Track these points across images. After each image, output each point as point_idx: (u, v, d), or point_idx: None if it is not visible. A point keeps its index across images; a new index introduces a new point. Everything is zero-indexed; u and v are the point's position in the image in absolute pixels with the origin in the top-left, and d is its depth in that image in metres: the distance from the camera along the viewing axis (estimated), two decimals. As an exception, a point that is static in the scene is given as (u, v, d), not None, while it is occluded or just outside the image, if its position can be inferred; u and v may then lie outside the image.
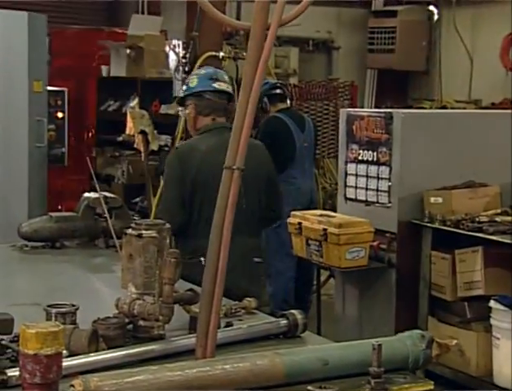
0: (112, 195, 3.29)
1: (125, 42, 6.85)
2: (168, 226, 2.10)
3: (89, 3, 8.93)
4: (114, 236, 2.67)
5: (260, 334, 2.09)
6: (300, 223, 4.42)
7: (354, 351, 1.83)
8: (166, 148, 5.92)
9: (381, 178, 4.37)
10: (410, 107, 9.17)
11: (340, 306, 4.66)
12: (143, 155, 5.62)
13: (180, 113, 3.70)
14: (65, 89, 5.31)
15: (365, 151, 4.47)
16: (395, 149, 4.28)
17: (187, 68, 5.56)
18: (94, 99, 7.18)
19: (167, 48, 5.89)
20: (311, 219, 4.38)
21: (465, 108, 8.75)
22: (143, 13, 8.70)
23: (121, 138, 6.87)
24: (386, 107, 7.91)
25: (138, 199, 6.52)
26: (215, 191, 3.20)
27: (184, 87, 3.47)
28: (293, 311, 2.16)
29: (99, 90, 7.17)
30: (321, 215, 4.44)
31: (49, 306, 1.99)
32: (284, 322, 2.13)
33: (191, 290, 2.22)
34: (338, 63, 9.88)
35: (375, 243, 4.30)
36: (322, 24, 9.26)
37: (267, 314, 2.46)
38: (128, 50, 6.71)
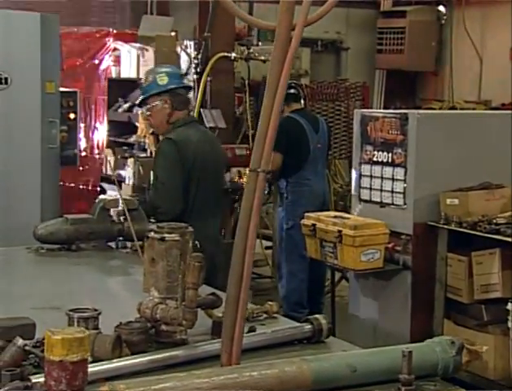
0: (128, 197, 3.26)
1: (135, 43, 6.83)
2: (191, 229, 2.07)
3: (98, 4, 8.91)
4: (135, 239, 2.65)
5: (284, 339, 2.06)
6: (314, 225, 4.39)
7: (383, 357, 1.80)
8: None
9: (397, 180, 4.33)
10: (419, 108, 9.13)
11: (354, 308, 4.62)
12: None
13: (144, 111, 3.74)
14: (77, 90, 5.30)
15: (380, 153, 4.43)
16: (410, 150, 4.24)
17: (198, 69, 5.53)
18: (104, 100, 7.15)
19: (178, 49, 5.86)
20: (326, 221, 4.35)
21: (474, 109, 8.71)
22: (151, 14, 8.68)
23: (132, 139, 6.86)
24: (395, 108, 7.88)
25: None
26: (208, 179, 3.56)
27: (152, 85, 3.60)
28: (317, 316, 2.13)
29: (109, 91, 7.14)
30: (335, 216, 4.40)
31: (71, 311, 1.95)
32: (308, 327, 2.10)
33: (213, 294, 2.19)
34: (347, 64, 9.85)
35: (390, 245, 4.27)
36: (331, 24, 9.22)
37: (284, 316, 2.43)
38: (138, 51, 6.69)
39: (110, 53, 7.19)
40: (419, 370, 1.76)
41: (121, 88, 7.17)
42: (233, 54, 5.58)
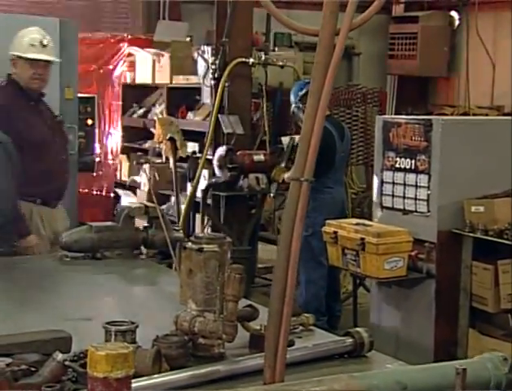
0: (152, 205, 3.21)
1: (150, 48, 6.79)
2: (229, 240, 2.01)
3: (110, 9, 8.88)
4: (171, 248, 2.59)
5: (326, 354, 2.00)
6: (336, 232, 4.33)
7: (432, 374, 1.73)
8: (194, 155, 5.85)
9: (420, 187, 4.27)
10: (431, 113, 9.07)
11: (376, 317, 4.56)
12: (171, 162, 5.55)
13: None
14: (95, 95, 5.25)
15: (403, 159, 4.37)
16: (434, 157, 4.18)
17: (216, 75, 5.47)
18: (118, 106, 7.12)
19: (195, 54, 5.81)
20: (348, 228, 4.29)
21: (487, 115, 8.64)
22: (164, 19, 8.66)
23: (147, 145, 6.83)
24: (407, 114, 7.81)
25: (164, 207, 6.44)
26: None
27: None
28: (358, 329, 2.07)
29: (123, 97, 7.11)
30: (357, 224, 4.34)
31: (107, 323, 1.89)
32: (349, 340, 2.03)
33: (250, 306, 2.13)
34: (359, 69, 9.80)
35: (413, 253, 4.21)
36: (343, 29, 9.13)
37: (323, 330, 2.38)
38: (154, 57, 6.65)
39: (124, 58, 7.16)
40: (470, 387, 1.70)
41: (135, 93, 7.14)
42: (251, 60, 5.53)
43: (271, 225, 7.13)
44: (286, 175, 5.35)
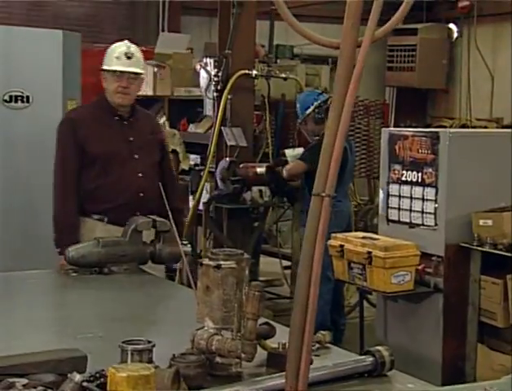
0: (160, 219, 3.16)
1: (151, 60, 6.76)
2: (247, 256, 1.97)
3: (110, 21, 8.87)
4: (186, 263, 2.54)
5: (346, 373, 1.94)
6: (342, 246, 4.28)
7: (460, 395, 1.69)
8: (197, 167, 5.81)
9: (427, 200, 4.24)
10: (429, 126, 9.08)
11: (382, 332, 4.51)
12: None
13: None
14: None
15: (409, 172, 4.34)
16: (441, 169, 4.14)
17: (219, 87, 5.44)
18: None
19: (197, 66, 5.78)
20: (354, 241, 4.25)
21: (486, 127, 8.65)
22: (163, 31, 8.65)
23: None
24: (405, 126, 7.80)
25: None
26: None
27: None
28: (379, 347, 2.02)
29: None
30: (364, 237, 4.30)
31: (124, 342, 1.84)
32: (370, 359, 1.98)
33: (266, 323, 2.08)
34: (357, 81, 9.79)
35: (420, 267, 4.16)
36: (341, 41, 9.13)
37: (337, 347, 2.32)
38: (155, 69, 6.62)
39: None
40: (499, 408, 1.65)
41: (136, 105, 7.08)
42: (254, 72, 5.50)
43: (272, 237, 7.09)
44: (288, 167, 5.17)
